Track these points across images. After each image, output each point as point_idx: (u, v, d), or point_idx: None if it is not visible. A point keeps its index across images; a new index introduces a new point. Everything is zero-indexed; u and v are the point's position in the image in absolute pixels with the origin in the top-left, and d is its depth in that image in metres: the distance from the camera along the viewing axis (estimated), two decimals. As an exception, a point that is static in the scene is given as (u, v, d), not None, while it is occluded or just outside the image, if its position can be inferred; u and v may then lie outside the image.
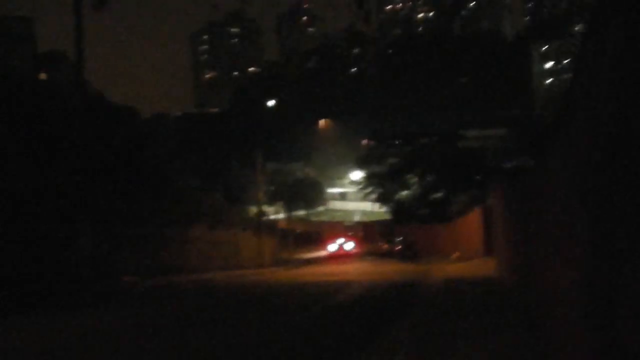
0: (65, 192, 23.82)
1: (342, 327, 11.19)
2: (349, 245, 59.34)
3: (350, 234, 67.87)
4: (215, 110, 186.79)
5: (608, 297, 3.86)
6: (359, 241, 65.81)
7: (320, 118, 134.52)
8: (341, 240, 60.27)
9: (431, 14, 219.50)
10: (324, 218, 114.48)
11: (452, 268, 28.16)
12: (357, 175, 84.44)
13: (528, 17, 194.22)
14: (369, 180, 71.69)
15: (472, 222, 34.51)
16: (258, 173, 39.34)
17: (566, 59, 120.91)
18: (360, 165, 77.63)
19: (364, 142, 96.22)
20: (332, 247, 59.26)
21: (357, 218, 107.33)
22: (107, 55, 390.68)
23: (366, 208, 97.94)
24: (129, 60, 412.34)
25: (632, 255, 3.25)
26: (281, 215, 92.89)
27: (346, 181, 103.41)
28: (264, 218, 66.09)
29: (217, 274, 30.00)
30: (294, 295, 18.84)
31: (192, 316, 13.92)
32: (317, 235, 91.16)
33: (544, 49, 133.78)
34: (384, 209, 72.41)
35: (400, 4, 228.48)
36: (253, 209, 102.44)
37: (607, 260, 3.84)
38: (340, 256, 54.77)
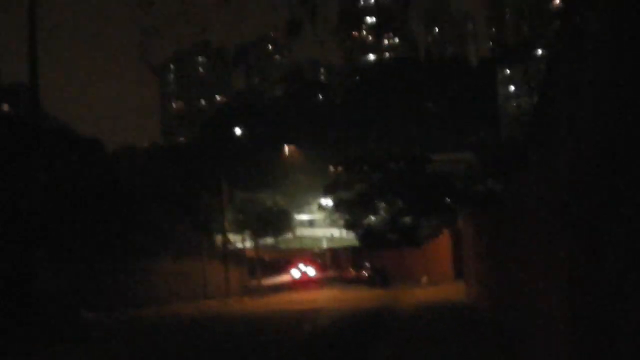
0: (24, 225, 22.97)
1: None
2: (311, 271, 58.53)
3: (310, 259, 67.13)
4: (182, 140, 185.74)
5: (594, 321, 3.52)
6: (320, 267, 65.14)
7: (288, 145, 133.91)
8: (302, 266, 59.44)
9: (397, 39, 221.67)
10: (293, 245, 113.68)
11: (422, 293, 27.73)
12: (325, 202, 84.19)
13: (491, 43, 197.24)
14: (337, 206, 71.33)
15: (441, 246, 34.20)
16: (224, 201, 38.55)
17: (530, 83, 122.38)
18: (327, 192, 77.29)
19: (332, 169, 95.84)
20: (295, 274, 58.37)
21: (325, 245, 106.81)
22: (74, 87, 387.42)
23: (334, 234, 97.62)
24: (96, 92, 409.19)
25: (620, 276, 2.94)
26: (249, 244, 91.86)
27: (315, 208, 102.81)
28: (232, 247, 65.33)
29: (183, 306, 29.18)
30: (260, 328, 18.22)
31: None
32: (286, 262, 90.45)
33: (508, 72, 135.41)
34: (352, 235, 72.04)
35: (365, 31, 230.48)
36: (217, 238, 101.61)
37: (592, 284, 3.47)
38: (304, 282, 53.94)
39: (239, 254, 56.98)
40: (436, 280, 34.80)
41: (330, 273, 68.58)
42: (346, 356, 11.05)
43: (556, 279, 4.72)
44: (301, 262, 61.08)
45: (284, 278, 66.72)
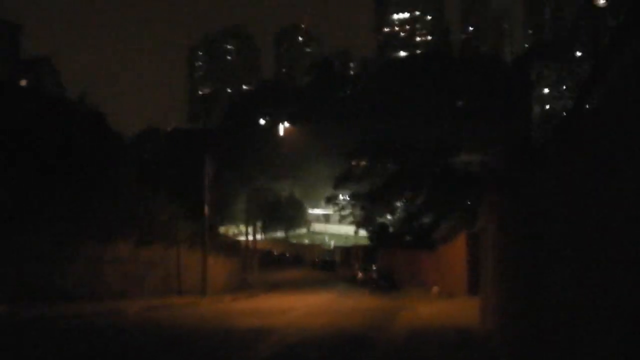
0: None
1: None
2: None
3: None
4: (206, 125, 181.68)
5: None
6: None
7: (310, 136, 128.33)
8: None
9: (430, 37, 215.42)
10: (304, 241, 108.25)
11: (427, 310, 21.87)
12: (337, 195, 78.71)
13: (526, 45, 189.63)
14: (351, 200, 65.56)
15: (456, 250, 28.26)
16: (206, 180, 32.96)
17: (565, 85, 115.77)
18: (339, 184, 71.49)
19: (353, 162, 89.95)
20: None
21: (338, 242, 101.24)
22: (108, 69, 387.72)
23: (349, 231, 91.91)
24: (127, 73, 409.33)
25: None
26: (259, 236, 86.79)
27: (329, 201, 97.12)
28: (229, 237, 60.17)
29: (135, 303, 23.62)
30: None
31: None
32: (294, 258, 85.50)
33: (542, 73, 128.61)
34: (365, 233, 66.21)
35: (398, 27, 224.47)
36: (226, 229, 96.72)
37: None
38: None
39: (234, 245, 51.39)
40: (448, 292, 28.96)
41: (339, 273, 63.95)
42: None
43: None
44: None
45: (288, 274, 62.02)
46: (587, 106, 5.07)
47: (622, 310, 3.74)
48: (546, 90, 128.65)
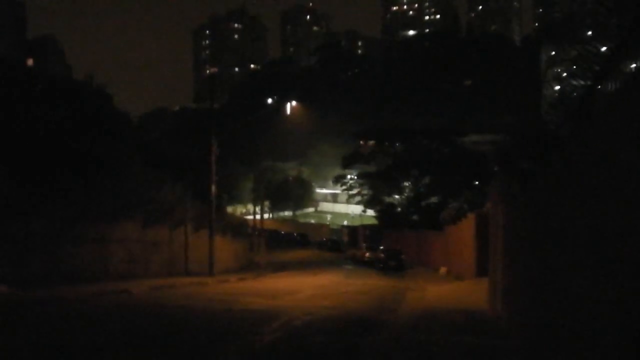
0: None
1: None
2: None
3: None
4: (204, 105, 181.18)
5: None
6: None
7: (318, 116, 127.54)
8: None
9: (438, 16, 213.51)
10: (311, 220, 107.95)
11: (435, 291, 21.61)
12: (345, 175, 78.28)
13: (537, 24, 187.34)
14: (358, 180, 65.22)
15: (464, 231, 27.93)
16: (212, 159, 32.65)
17: (576, 65, 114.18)
18: (347, 164, 71.06)
19: (360, 141, 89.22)
20: None
21: (346, 221, 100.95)
22: (114, 50, 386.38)
23: (356, 211, 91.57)
24: (132, 54, 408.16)
25: None
26: (266, 216, 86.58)
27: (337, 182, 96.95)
28: (237, 217, 59.95)
29: (141, 283, 23.43)
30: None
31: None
32: (301, 237, 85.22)
33: (552, 53, 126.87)
34: (371, 213, 65.93)
35: (406, 6, 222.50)
36: (234, 208, 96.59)
37: None
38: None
39: (241, 224, 51.16)
40: (456, 273, 28.70)
41: (347, 253, 63.76)
42: None
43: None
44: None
45: (295, 254, 61.94)
46: (608, 86, 4.83)
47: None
48: (558, 70, 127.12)
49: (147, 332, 12.03)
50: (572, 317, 5.35)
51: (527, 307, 8.94)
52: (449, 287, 23.12)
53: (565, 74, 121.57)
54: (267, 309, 15.72)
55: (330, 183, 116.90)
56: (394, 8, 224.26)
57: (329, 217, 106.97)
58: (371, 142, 76.47)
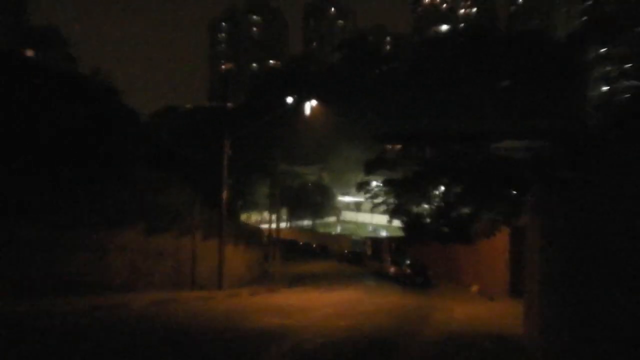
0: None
1: None
2: None
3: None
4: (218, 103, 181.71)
5: None
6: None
7: (341, 117, 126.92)
8: None
9: (474, 9, 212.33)
10: (332, 231, 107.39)
11: (464, 312, 21.10)
12: (369, 182, 77.62)
13: (584, 18, 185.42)
14: (382, 187, 64.62)
15: (497, 246, 27.39)
16: (224, 162, 32.37)
17: (626, 64, 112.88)
18: (370, 169, 70.45)
19: (388, 146, 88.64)
20: None
21: (369, 232, 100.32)
22: (123, 43, 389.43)
23: (381, 221, 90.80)
24: (144, 49, 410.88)
25: None
26: (283, 225, 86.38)
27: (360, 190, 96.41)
28: (250, 225, 59.69)
29: (142, 296, 23.19)
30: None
31: None
32: (321, 248, 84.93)
33: (601, 51, 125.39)
34: (397, 223, 65.29)
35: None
36: (248, 216, 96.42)
37: None
38: None
39: (255, 232, 50.97)
40: (489, 293, 28.15)
41: (370, 266, 63.34)
42: None
43: None
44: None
45: (313, 267, 61.71)
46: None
47: None
48: (607, 69, 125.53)
49: (141, 355, 11.69)
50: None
51: (568, 337, 8.48)
52: (480, 307, 22.60)
53: (614, 74, 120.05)
54: (277, 329, 15.36)
55: (353, 190, 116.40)
56: (426, 1, 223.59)
57: (350, 227, 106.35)
58: (397, 147, 76.00)
